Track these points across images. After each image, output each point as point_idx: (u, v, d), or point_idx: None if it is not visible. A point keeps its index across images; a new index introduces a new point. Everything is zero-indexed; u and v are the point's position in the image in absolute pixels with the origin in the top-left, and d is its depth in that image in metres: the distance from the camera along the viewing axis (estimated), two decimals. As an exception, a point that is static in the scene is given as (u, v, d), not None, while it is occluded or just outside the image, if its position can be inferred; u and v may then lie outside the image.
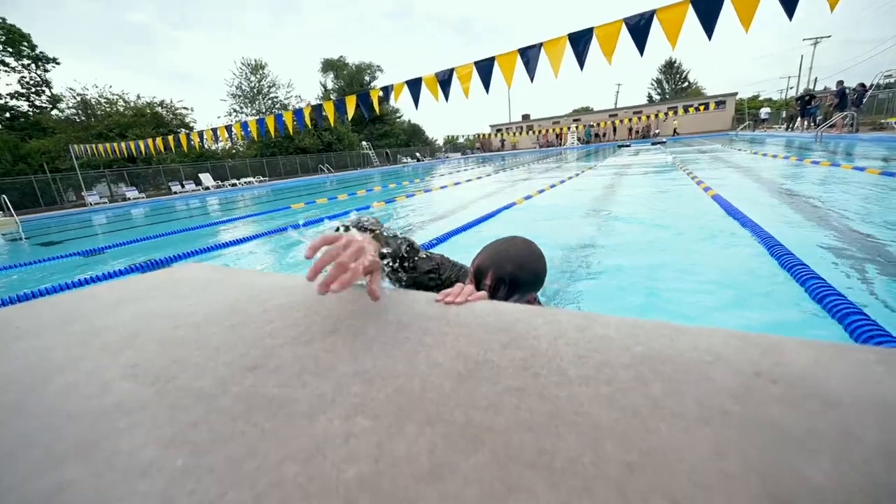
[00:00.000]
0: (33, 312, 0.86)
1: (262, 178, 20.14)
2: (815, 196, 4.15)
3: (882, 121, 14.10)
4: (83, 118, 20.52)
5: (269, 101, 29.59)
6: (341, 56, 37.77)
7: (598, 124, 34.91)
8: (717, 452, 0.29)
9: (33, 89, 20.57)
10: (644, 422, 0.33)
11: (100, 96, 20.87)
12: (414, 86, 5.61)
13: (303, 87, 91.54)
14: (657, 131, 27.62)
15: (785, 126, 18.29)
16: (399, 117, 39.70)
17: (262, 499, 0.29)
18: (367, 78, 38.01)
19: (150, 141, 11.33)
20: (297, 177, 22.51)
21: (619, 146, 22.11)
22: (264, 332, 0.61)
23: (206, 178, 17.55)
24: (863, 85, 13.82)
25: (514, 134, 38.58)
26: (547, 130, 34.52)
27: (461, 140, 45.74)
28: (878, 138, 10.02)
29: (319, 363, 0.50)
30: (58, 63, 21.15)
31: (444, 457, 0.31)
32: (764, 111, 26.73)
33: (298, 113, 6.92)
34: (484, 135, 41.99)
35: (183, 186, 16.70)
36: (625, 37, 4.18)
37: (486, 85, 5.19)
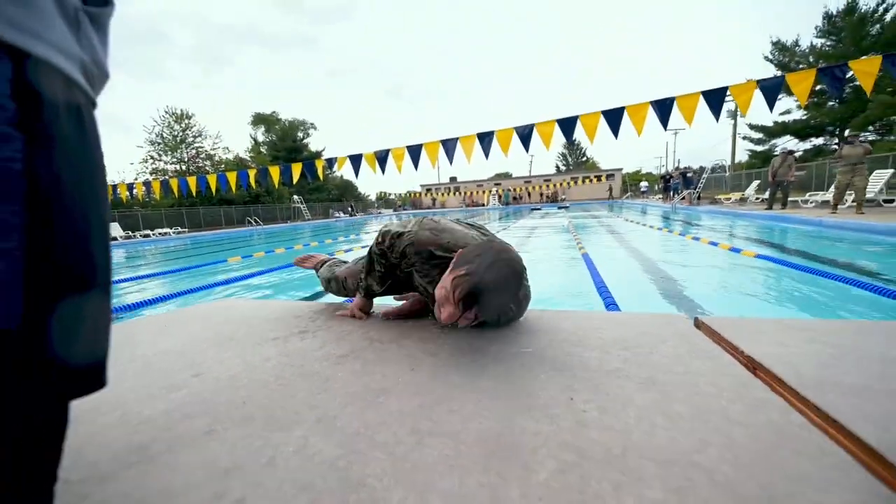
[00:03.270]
0: (143, 327, 1.58)
1: (180, 230, 19.03)
2: (648, 250, 5.84)
3: (717, 196, 18.48)
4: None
5: (194, 151, 28.66)
6: (274, 111, 38.47)
7: (516, 189, 39.53)
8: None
9: None
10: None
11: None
12: (355, 160, 6.64)
13: (231, 137, 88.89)
14: (563, 197, 32.52)
15: (661, 197, 22.90)
16: (331, 173, 40.53)
17: (345, 406, 1.15)
18: (300, 134, 38.88)
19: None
20: (221, 228, 21.62)
21: (532, 209, 25.37)
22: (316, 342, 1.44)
23: (114, 228, 16.17)
24: (699, 169, 18.42)
25: (443, 194, 41.71)
26: (472, 192, 38.03)
27: (392, 197, 47.75)
28: (710, 210, 13.41)
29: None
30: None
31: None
32: (643, 184, 33.06)
33: (243, 174, 7.46)
34: (415, 193, 44.56)
35: (84, 237, 15.16)
36: (516, 139, 5.76)
37: (416, 163, 6.41)
